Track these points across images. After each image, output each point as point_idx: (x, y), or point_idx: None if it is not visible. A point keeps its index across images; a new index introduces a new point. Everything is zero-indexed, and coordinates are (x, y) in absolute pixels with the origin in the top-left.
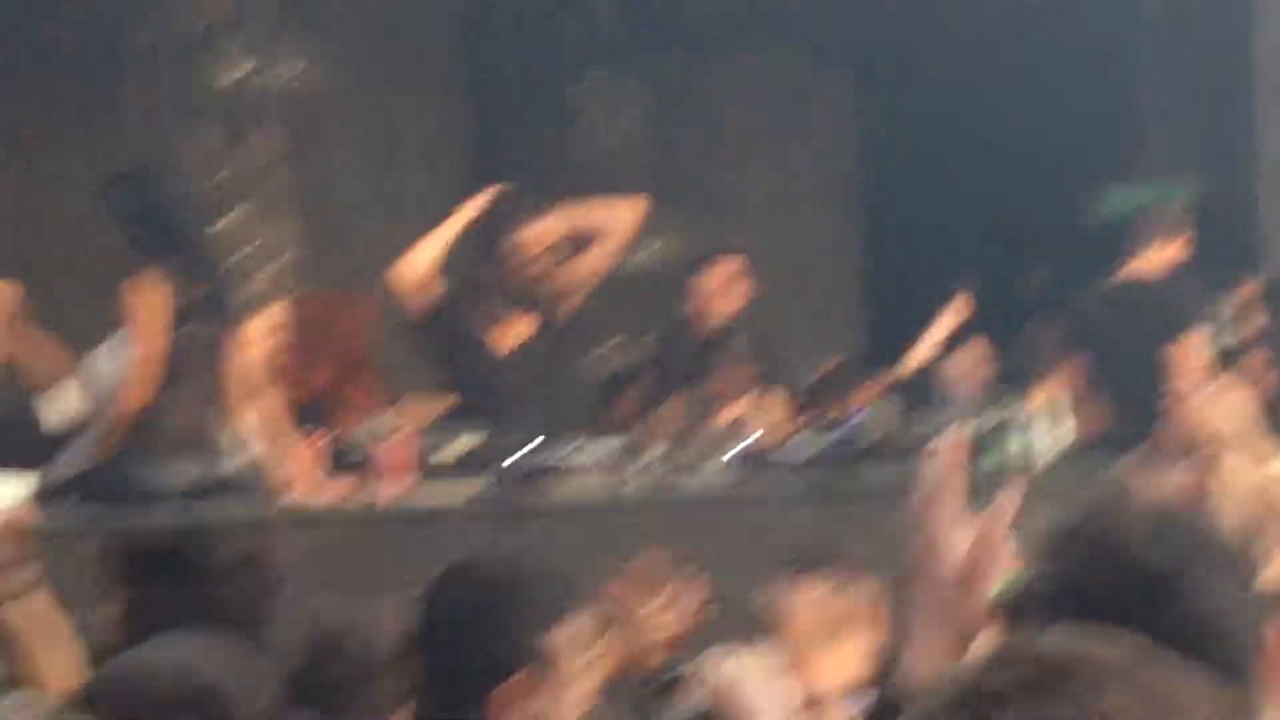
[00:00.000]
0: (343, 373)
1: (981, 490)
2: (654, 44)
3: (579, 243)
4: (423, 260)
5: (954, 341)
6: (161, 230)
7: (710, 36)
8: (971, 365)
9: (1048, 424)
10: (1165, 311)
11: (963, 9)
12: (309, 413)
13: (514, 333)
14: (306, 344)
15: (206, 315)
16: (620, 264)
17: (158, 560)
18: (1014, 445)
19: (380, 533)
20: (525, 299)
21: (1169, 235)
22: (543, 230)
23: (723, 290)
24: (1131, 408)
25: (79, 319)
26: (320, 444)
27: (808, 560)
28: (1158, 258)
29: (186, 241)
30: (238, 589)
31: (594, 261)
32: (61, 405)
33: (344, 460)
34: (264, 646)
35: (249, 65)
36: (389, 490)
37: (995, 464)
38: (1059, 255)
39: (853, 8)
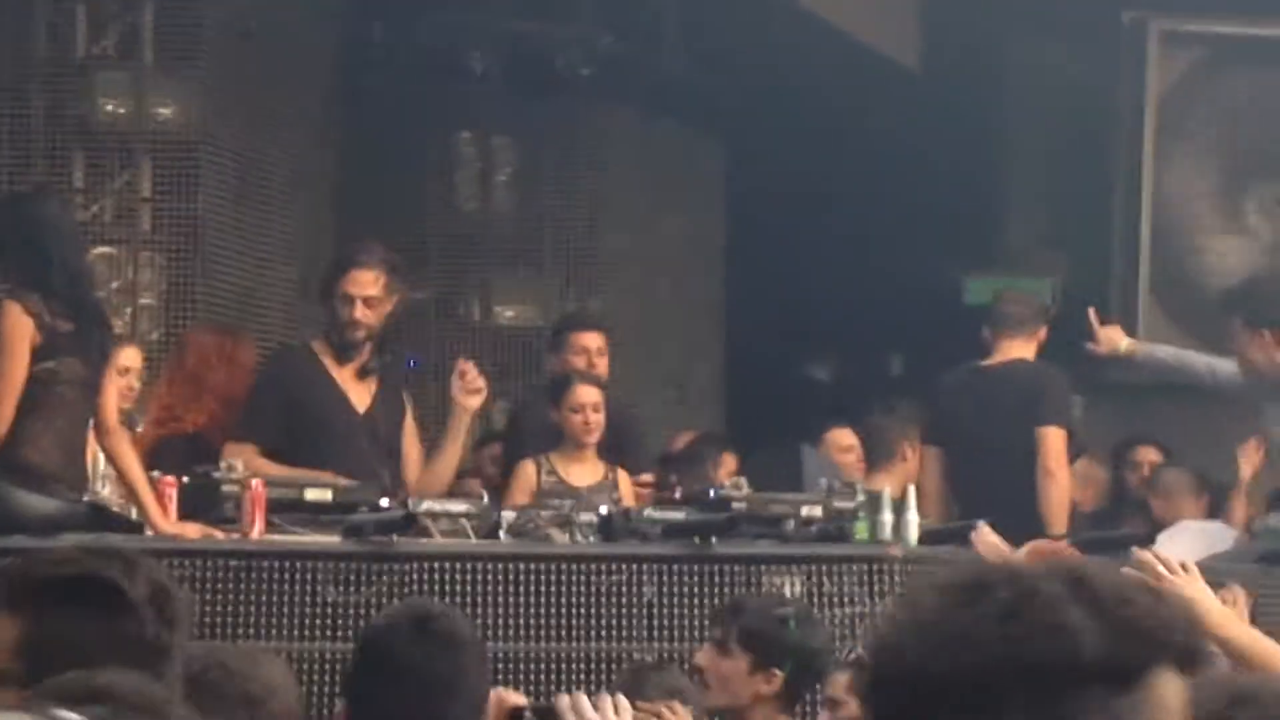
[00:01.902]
0: (225, 409)
1: None
2: (527, 102)
3: None
4: None
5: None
6: (33, 259)
7: (583, 96)
8: (840, 448)
9: (905, 505)
10: (1020, 402)
11: (838, 87)
12: (187, 447)
13: (363, 389)
14: (195, 377)
15: (73, 350)
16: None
17: (65, 589)
18: (886, 516)
19: (248, 571)
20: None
21: (1028, 325)
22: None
23: (584, 363)
24: (981, 498)
25: None
26: (175, 483)
27: None
28: (1016, 347)
29: (57, 272)
30: (149, 622)
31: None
32: None
33: (197, 500)
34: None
35: (122, 101)
36: (248, 533)
37: (868, 534)
38: (920, 340)
39: (727, 74)
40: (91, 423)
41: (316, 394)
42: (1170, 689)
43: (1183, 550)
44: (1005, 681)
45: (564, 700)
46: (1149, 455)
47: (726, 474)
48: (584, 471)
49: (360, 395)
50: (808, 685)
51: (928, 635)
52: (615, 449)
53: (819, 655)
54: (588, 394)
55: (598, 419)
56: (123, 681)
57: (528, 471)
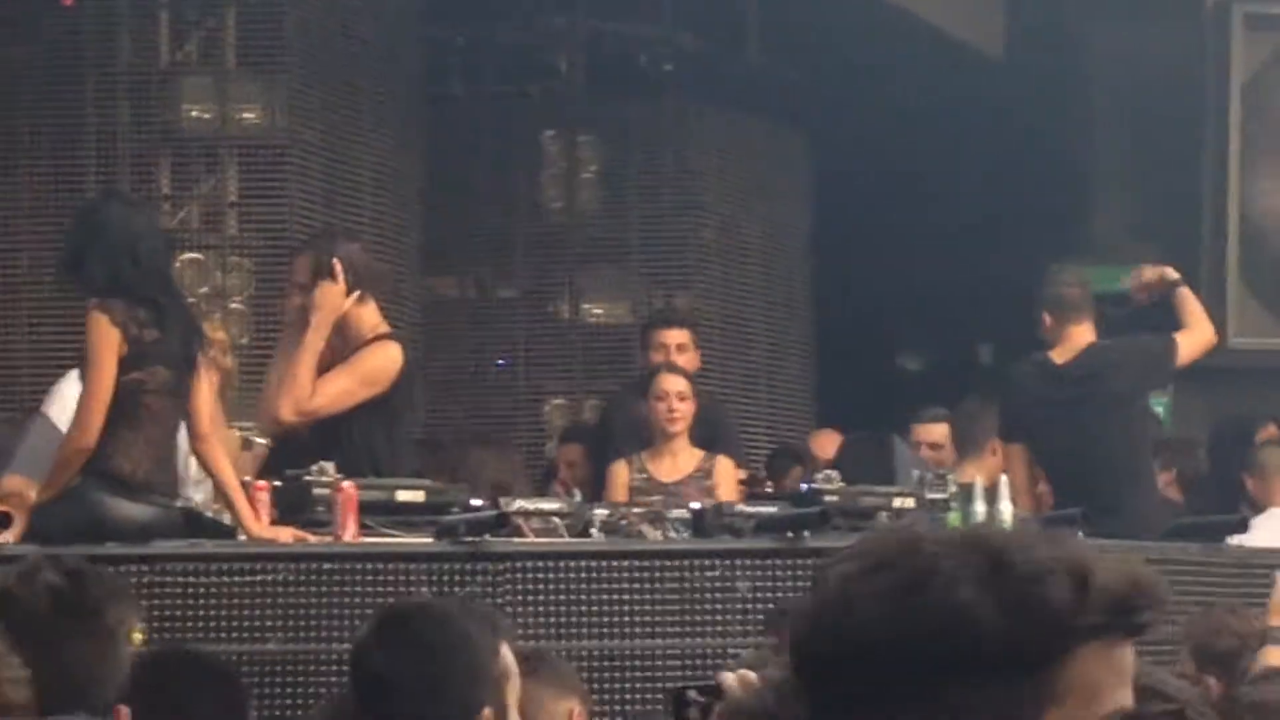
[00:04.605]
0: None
1: None
2: (610, 100)
3: None
4: None
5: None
6: (114, 266)
7: (666, 93)
8: (936, 441)
9: (998, 494)
10: (1116, 388)
11: (922, 77)
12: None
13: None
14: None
15: (159, 358)
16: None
17: None
18: (979, 507)
19: (342, 573)
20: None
21: (1090, 306)
22: None
23: (663, 360)
24: (1066, 486)
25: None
26: (267, 486)
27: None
28: (1084, 331)
29: (139, 278)
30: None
31: None
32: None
33: (289, 505)
34: None
35: (206, 106)
36: (342, 535)
37: (961, 525)
38: (1009, 330)
39: (810, 67)
40: (185, 428)
41: None
42: (1091, 667)
43: (1271, 537)
44: (890, 667)
45: (729, 677)
46: (1271, 432)
47: (815, 468)
48: (676, 464)
49: None
50: None
51: (820, 614)
52: (708, 442)
53: None
54: (672, 383)
55: (683, 408)
56: None
57: (620, 471)
